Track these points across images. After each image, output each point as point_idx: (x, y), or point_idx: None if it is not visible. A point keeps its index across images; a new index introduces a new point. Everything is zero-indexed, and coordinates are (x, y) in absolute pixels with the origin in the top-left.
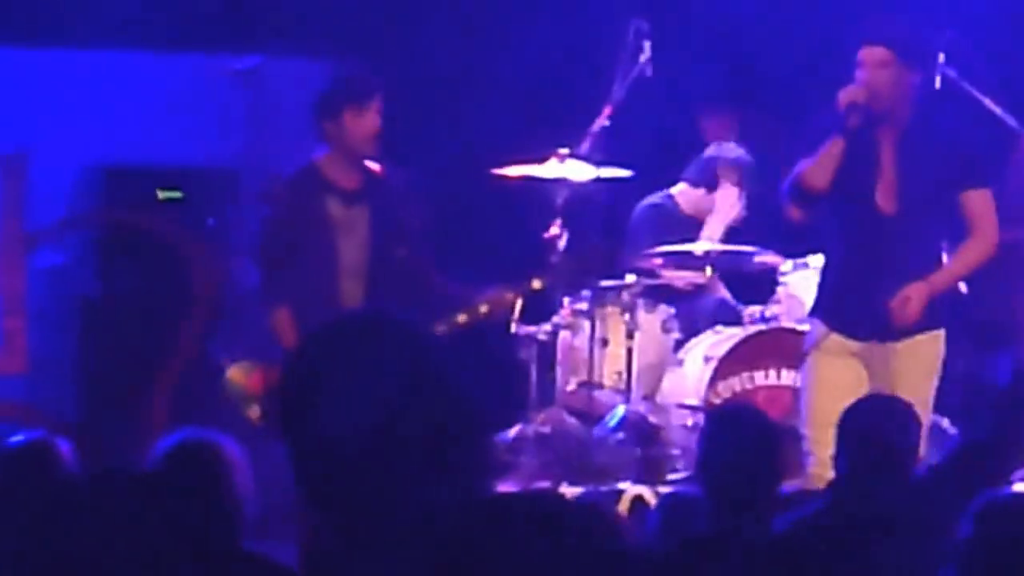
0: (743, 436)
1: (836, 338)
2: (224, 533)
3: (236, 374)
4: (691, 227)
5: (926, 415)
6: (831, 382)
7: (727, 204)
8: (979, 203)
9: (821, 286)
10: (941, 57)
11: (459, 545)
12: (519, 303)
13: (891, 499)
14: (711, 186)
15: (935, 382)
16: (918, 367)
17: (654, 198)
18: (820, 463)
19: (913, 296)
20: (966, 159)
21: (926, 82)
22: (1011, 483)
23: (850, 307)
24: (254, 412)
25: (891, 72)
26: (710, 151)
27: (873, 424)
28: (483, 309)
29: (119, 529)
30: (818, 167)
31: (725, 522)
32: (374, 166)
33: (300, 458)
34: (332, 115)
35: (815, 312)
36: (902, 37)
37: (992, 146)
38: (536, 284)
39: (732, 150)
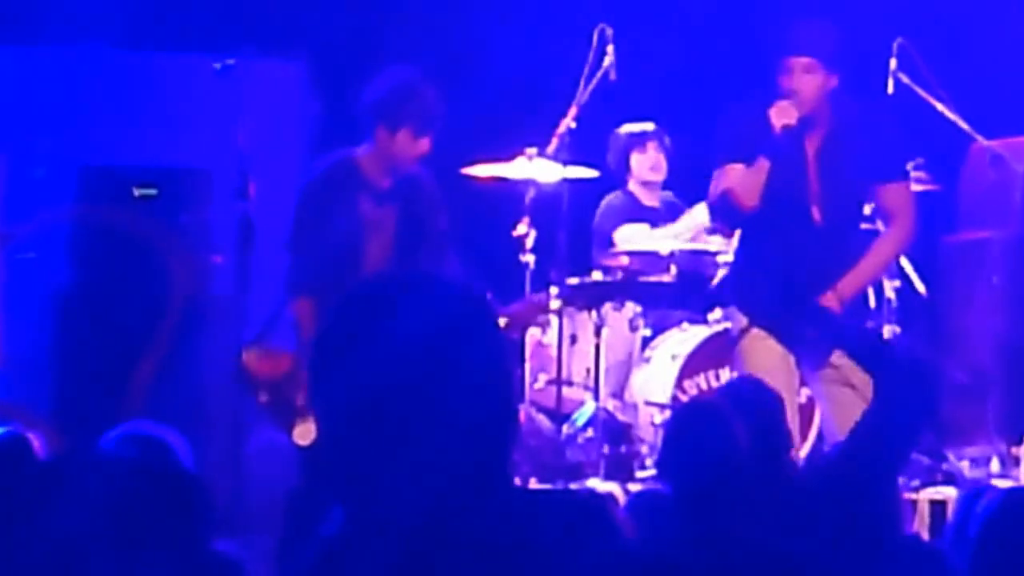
0: (707, 433)
1: (758, 332)
2: (174, 529)
3: (249, 358)
4: (654, 218)
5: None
6: (763, 368)
7: (646, 168)
8: (897, 195)
9: (736, 276)
10: (893, 63)
11: (474, 533)
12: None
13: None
14: (626, 167)
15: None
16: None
17: (615, 195)
18: None
19: (838, 295)
20: (882, 153)
21: (845, 84)
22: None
23: (770, 306)
24: (262, 398)
25: (816, 78)
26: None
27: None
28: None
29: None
30: (748, 188)
31: (692, 520)
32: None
33: (326, 418)
34: (390, 125)
35: (736, 302)
36: (827, 44)
37: (945, 150)
38: (553, 303)
39: (629, 126)
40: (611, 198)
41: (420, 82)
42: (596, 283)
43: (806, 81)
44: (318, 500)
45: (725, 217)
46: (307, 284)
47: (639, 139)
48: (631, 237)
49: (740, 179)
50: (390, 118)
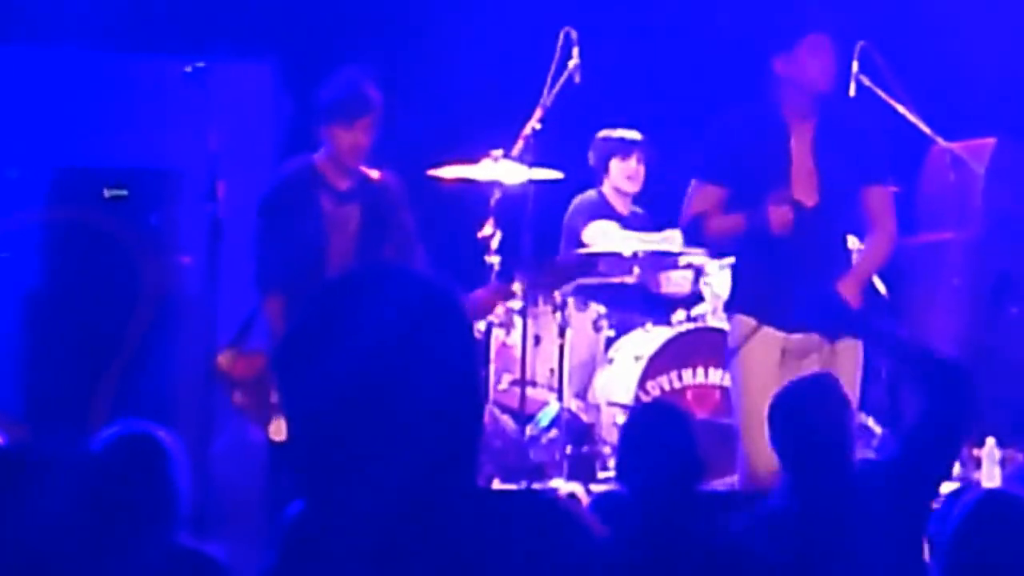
0: (662, 434)
1: (766, 331)
2: (160, 526)
3: (224, 360)
4: (623, 224)
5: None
6: (763, 377)
7: (623, 176)
8: (881, 199)
9: (741, 283)
10: (855, 65)
11: (439, 531)
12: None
13: (842, 489)
14: (604, 170)
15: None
16: (853, 369)
17: (588, 194)
18: (758, 458)
19: (849, 291)
20: (871, 154)
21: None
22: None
23: (778, 300)
24: (237, 397)
25: (834, 59)
26: (598, 137)
27: (804, 407)
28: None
29: (56, 511)
30: (721, 228)
31: (649, 520)
32: (372, 172)
33: (294, 411)
34: (325, 122)
35: (737, 308)
36: (837, 26)
37: (905, 152)
38: (516, 287)
39: (619, 132)
40: (584, 197)
41: (343, 75)
42: (559, 264)
43: (830, 61)
44: (286, 498)
45: (694, 239)
46: (275, 282)
47: (624, 146)
48: (600, 233)
49: (716, 220)
50: (322, 116)
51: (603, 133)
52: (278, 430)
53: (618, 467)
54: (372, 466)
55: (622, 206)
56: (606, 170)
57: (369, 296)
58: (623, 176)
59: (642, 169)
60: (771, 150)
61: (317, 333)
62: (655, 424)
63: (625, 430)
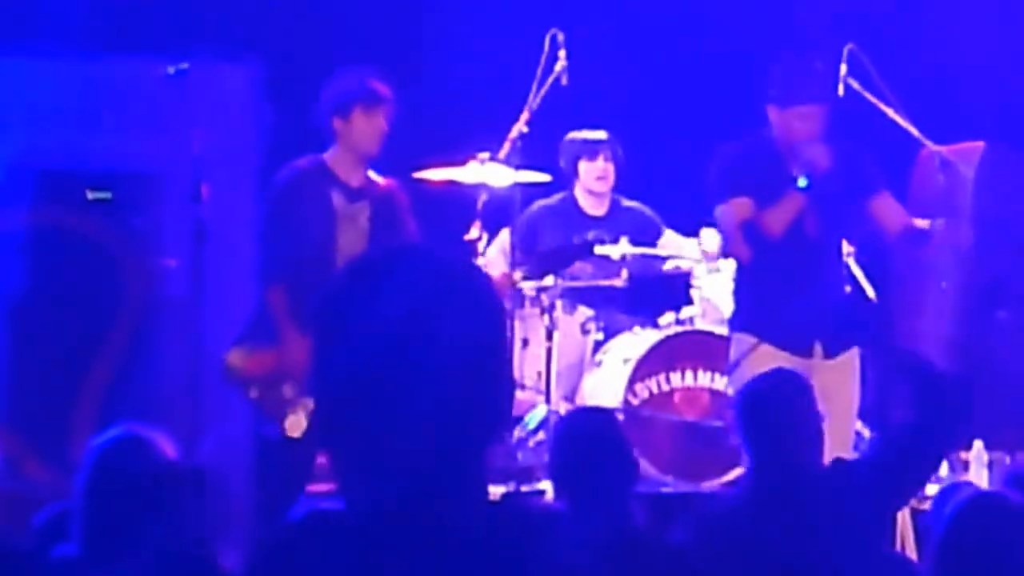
0: (593, 441)
1: (765, 348)
2: (162, 528)
3: (235, 358)
4: (595, 226)
5: (854, 423)
6: None
7: (592, 177)
8: (889, 202)
9: (741, 301)
10: (843, 68)
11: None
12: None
13: (811, 485)
14: (574, 172)
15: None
16: (851, 383)
17: (550, 200)
18: None
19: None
20: (865, 168)
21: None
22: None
23: (777, 319)
24: (253, 393)
25: (826, 124)
26: (565, 140)
27: (770, 400)
28: None
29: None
30: (780, 218)
31: (581, 524)
32: (378, 178)
33: (322, 387)
34: (343, 112)
35: (738, 327)
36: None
37: (894, 155)
38: (516, 276)
39: (584, 133)
40: (544, 203)
41: (358, 69)
42: (553, 252)
43: (819, 129)
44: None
45: (751, 245)
46: (279, 273)
47: (590, 147)
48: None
49: (772, 210)
50: (340, 106)
51: (569, 135)
52: (293, 425)
53: (553, 479)
54: (395, 445)
55: (594, 206)
56: (576, 173)
57: (399, 274)
58: (592, 177)
59: (611, 167)
60: (773, 176)
61: (345, 310)
62: (584, 432)
63: (554, 441)
